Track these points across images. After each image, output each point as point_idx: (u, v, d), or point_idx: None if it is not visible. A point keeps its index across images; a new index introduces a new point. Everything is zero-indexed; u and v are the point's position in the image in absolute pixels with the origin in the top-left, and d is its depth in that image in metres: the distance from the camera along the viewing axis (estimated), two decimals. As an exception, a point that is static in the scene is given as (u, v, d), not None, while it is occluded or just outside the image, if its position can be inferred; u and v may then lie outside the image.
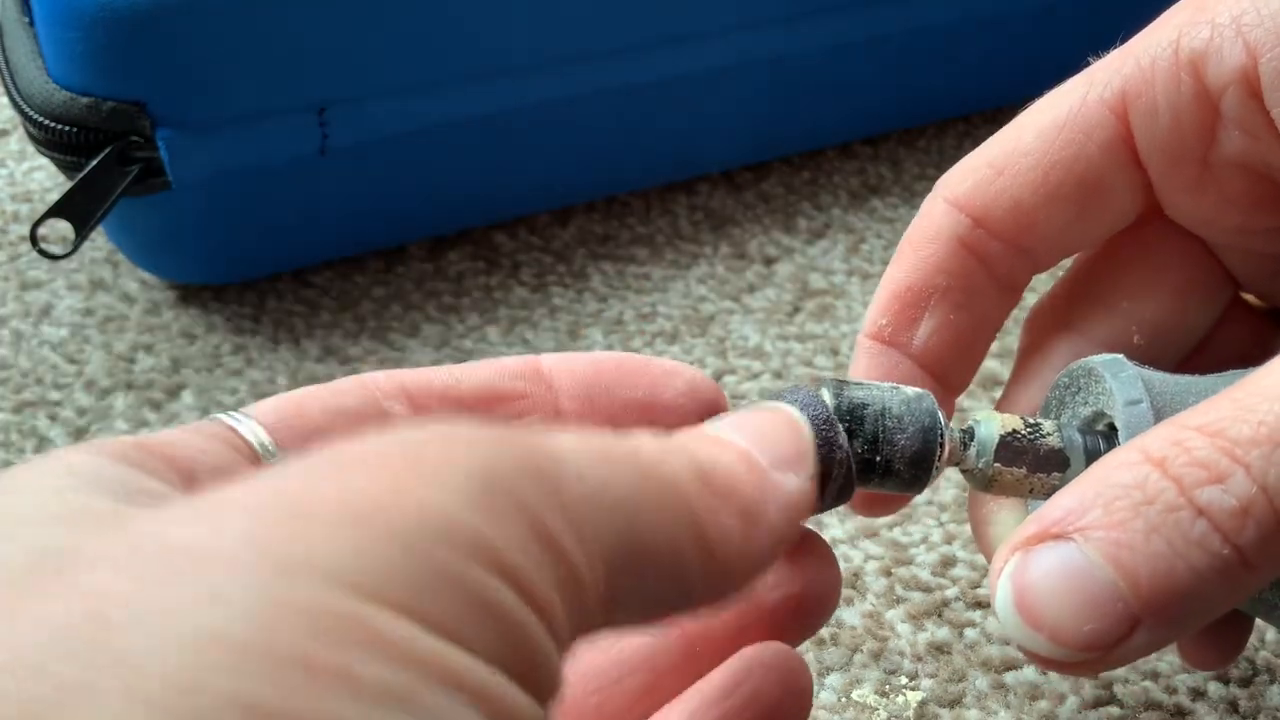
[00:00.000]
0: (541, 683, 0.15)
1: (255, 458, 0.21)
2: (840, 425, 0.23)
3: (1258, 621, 0.32)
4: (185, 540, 0.14)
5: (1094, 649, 0.21)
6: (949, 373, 0.28)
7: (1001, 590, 0.22)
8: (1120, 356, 0.25)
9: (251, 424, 0.21)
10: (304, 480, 0.14)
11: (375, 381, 0.23)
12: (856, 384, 0.24)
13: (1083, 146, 0.27)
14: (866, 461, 0.24)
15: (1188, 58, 0.26)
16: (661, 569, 0.18)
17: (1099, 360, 0.26)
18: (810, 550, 0.25)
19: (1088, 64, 0.28)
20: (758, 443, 0.21)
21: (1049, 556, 0.21)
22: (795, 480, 0.21)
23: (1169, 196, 0.28)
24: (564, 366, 0.24)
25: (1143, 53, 0.27)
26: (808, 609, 0.25)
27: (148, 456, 0.18)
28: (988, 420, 0.25)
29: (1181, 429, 0.22)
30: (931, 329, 0.28)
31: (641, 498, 0.17)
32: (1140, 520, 0.21)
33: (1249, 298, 0.30)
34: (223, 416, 0.21)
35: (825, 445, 0.23)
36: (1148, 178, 0.27)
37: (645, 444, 0.19)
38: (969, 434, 0.25)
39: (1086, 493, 0.22)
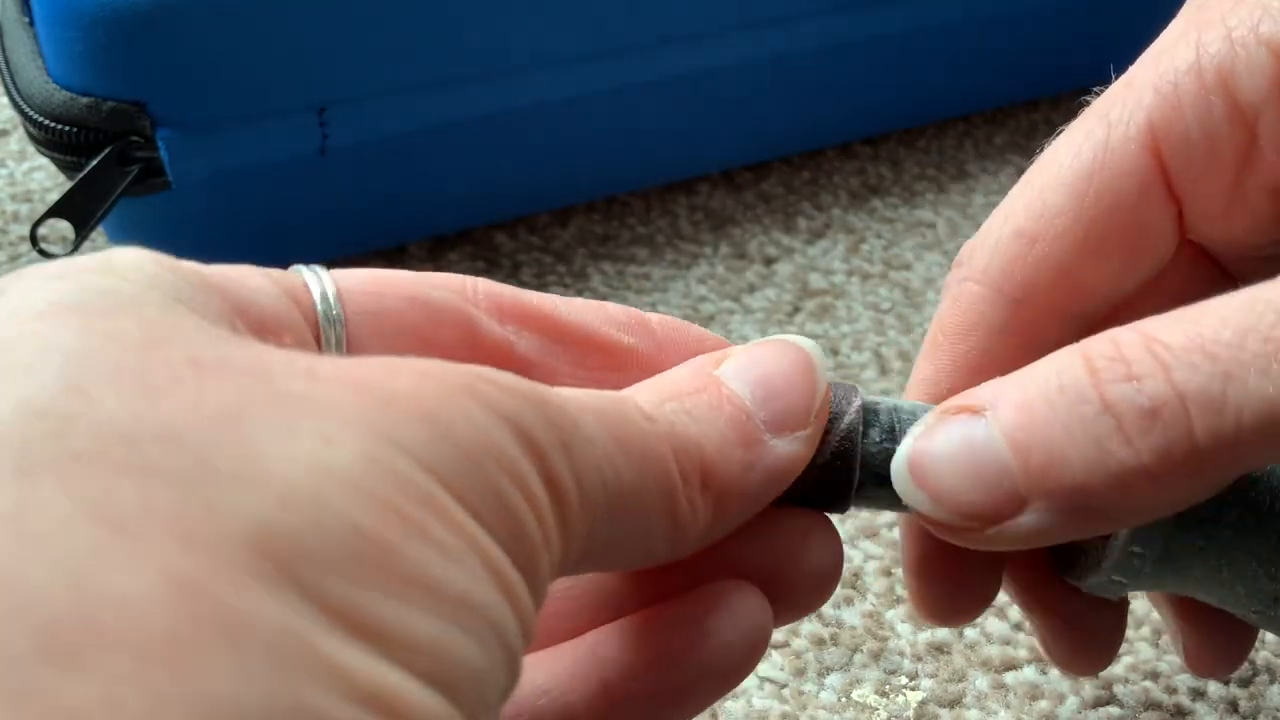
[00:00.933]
0: (537, 591, 0.17)
1: (312, 313, 0.21)
2: (858, 397, 0.23)
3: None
4: (300, 390, 0.16)
5: (975, 519, 0.21)
6: None
7: (902, 446, 0.22)
8: None
9: (326, 280, 0.21)
10: (386, 376, 0.17)
11: (474, 285, 0.23)
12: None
13: (1120, 193, 0.25)
14: (887, 453, 0.23)
15: (1214, 78, 0.24)
16: (633, 532, 0.20)
17: None
18: (811, 533, 0.24)
19: (1086, 103, 0.26)
20: (762, 394, 0.22)
21: (956, 426, 0.22)
22: (787, 446, 0.22)
23: (1196, 223, 0.26)
24: (674, 333, 0.24)
25: (1160, 79, 0.25)
26: (794, 593, 0.24)
27: (208, 289, 0.19)
28: None
29: (1124, 329, 0.21)
30: None
31: (632, 473, 0.19)
32: (1046, 406, 0.21)
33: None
34: (302, 268, 0.21)
35: (835, 404, 0.23)
36: (1180, 208, 0.26)
37: (644, 422, 0.20)
38: None
39: (1014, 376, 0.22)
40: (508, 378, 0.18)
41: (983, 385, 0.22)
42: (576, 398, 0.19)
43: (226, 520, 0.14)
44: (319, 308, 0.21)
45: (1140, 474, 0.20)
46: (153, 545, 0.13)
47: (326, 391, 0.16)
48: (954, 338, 0.26)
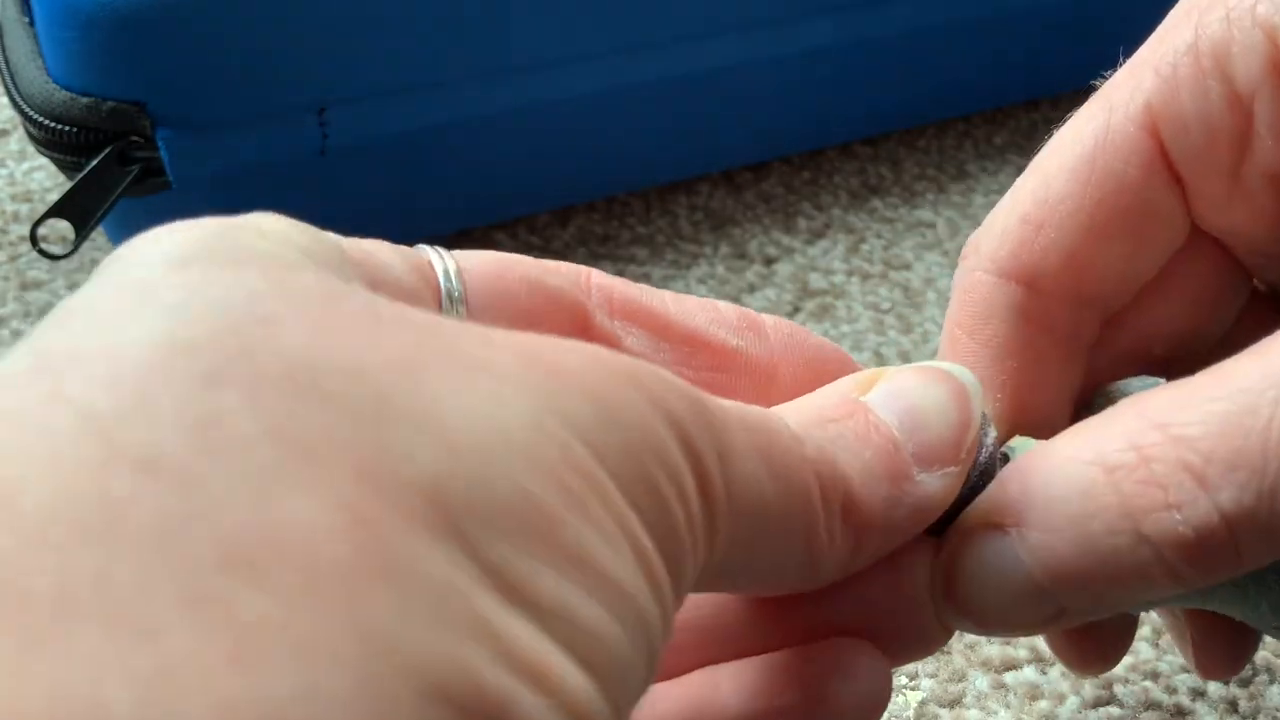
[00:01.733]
0: (680, 595, 0.17)
1: (437, 290, 0.21)
2: (991, 426, 0.22)
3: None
4: (476, 351, 0.16)
5: (1015, 631, 0.22)
6: None
7: (935, 571, 0.22)
8: (1160, 380, 0.25)
9: (448, 259, 0.21)
10: (554, 352, 0.16)
11: (588, 276, 0.23)
12: None
13: (1122, 175, 0.25)
14: None
15: (1211, 62, 0.24)
16: (768, 554, 0.19)
17: (1135, 382, 0.25)
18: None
19: (1094, 87, 0.26)
20: (911, 424, 0.21)
21: (985, 548, 0.21)
22: (936, 483, 0.21)
23: (1201, 211, 0.26)
24: (789, 339, 0.23)
25: (1160, 62, 0.24)
26: (922, 633, 0.23)
27: (348, 261, 0.19)
28: (1023, 444, 0.25)
29: (1148, 428, 0.20)
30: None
31: (776, 493, 0.19)
32: (1075, 534, 0.20)
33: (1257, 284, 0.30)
34: (426, 248, 0.21)
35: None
36: (1186, 191, 0.25)
37: (793, 444, 0.20)
38: (1004, 459, 0.25)
39: (1033, 485, 0.21)
40: (669, 375, 0.17)
41: (1007, 486, 0.21)
42: (731, 408, 0.19)
43: (401, 462, 0.14)
44: (442, 285, 0.21)
45: (1172, 582, 0.20)
46: (334, 475, 0.13)
47: (500, 356, 0.16)
48: (970, 329, 0.26)
